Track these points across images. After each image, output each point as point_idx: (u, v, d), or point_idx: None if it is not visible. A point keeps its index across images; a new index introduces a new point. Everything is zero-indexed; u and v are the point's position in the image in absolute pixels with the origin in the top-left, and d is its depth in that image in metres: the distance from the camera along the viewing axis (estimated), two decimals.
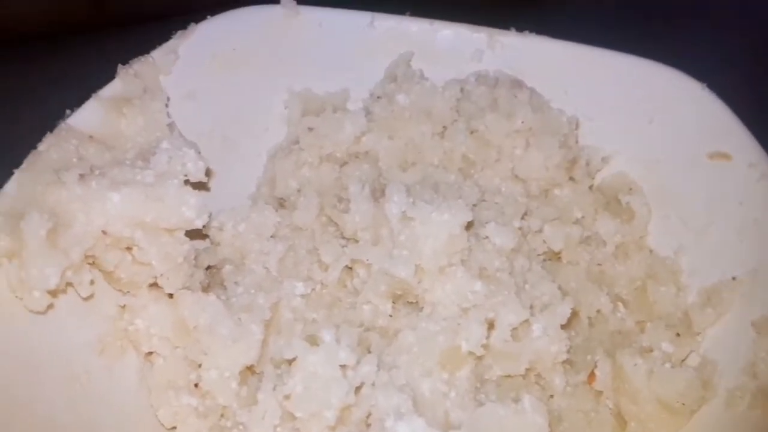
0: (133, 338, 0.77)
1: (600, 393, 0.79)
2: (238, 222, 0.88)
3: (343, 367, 0.67)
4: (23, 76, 1.20)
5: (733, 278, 0.78)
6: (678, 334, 0.79)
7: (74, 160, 0.77)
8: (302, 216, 0.90)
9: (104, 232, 0.72)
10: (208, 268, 0.88)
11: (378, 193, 0.88)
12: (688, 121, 0.88)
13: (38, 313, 0.68)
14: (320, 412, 0.64)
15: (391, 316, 0.81)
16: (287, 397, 0.66)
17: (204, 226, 0.87)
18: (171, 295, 0.78)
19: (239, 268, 0.86)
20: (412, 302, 0.82)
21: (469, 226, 0.80)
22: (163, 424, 0.75)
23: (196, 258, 0.82)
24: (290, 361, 0.68)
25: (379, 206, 0.83)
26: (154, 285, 0.78)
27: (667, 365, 0.74)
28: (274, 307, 0.79)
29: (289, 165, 0.96)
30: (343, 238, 0.88)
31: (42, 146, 0.76)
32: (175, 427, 0.75)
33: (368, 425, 0.66)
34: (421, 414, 0.66)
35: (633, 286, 0.88)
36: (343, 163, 0.96)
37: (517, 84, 0.95)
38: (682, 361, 0.78)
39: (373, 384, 0.69)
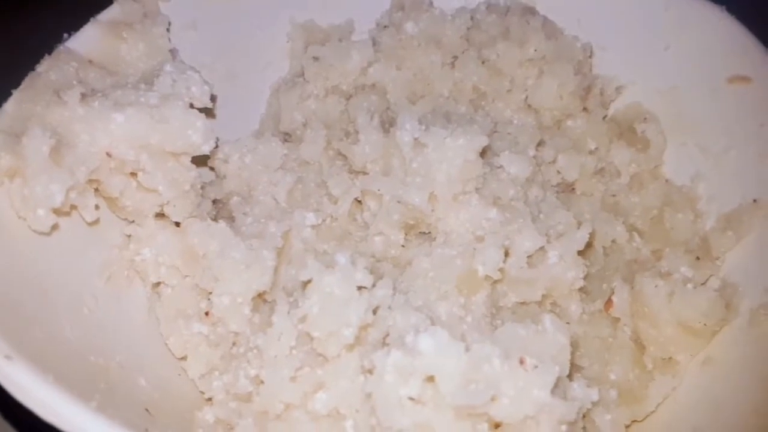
0: (140, 269, 0.75)
1: (617, 320, 0.78)
2: (245, 154, 0.85)
3: (359, 288, 0.65)
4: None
5: (755, 200, 0.76)
6: (698, 258, 0.78)
7: (74, 82, 0.73)
8: (309, 149, 0.88)
9: (108, 154, 0.69)
10: (215, 201, 0.85)
11: (387, 125, 0.85)
12: (706, 46, 0.86)
13: (42, 234, 0.65)
14: (338, 331, 0.62)
15: (403, 246, 0.80)
16: (303, 319, 0.64)
17: (209, 158, 0.85)
18: (178, 225, 0.76)
19: (247, 199, 0.84)
20: (424, 233, 0.80)
21: (483, 152, 0.78)
22: (173, 354, 0.73)
23: (202, 188, 0.79)
24: (305, 285, 0.66)
25: (389, 137, 0.80)
26: (160, 215, 0.76)
27: (689, 286, 0.72)
28: (285, 235, 0.77)
29: (294, 98, 0.93)
30: (352, 172, 0.85)
31: (40, 68, 0.73)
32: (185, 357, 0.73)
33: (386, 345, 0.64)
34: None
35: (649, 215, 0.86)
36: (349, 96, 0.93)
37: (529, 11, 0.92)
38: (702, 284, 0.76)
39: (389, 307, 0.67)
